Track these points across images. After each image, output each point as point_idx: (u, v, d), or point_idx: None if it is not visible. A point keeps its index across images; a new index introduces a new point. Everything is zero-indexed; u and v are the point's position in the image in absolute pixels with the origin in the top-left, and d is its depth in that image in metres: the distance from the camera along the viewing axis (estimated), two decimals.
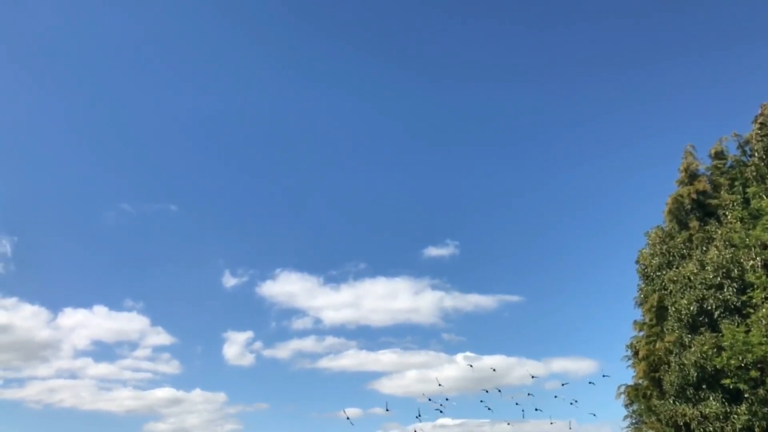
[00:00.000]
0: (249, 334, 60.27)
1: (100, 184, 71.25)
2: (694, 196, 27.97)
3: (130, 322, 59.34)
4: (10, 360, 57.86)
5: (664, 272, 27.48)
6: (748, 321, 22.83)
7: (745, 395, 22.85)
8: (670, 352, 25.54)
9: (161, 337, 59.01)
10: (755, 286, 22.82)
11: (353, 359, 58.55)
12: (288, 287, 61.90)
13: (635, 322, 29.44)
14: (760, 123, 27.01)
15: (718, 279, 24.55)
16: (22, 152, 68.25)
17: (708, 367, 23.62)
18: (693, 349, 24.21)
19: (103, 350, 60.12)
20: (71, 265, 67.19)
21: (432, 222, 71.74)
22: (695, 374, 24.04)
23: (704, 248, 26.27)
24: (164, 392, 56.46)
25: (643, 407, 28.12)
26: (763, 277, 22.62)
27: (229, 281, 62.85)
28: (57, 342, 57.41)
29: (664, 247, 28.10)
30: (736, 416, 22.91)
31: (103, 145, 71.22)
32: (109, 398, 55.95)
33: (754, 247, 23.58)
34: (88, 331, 58.77)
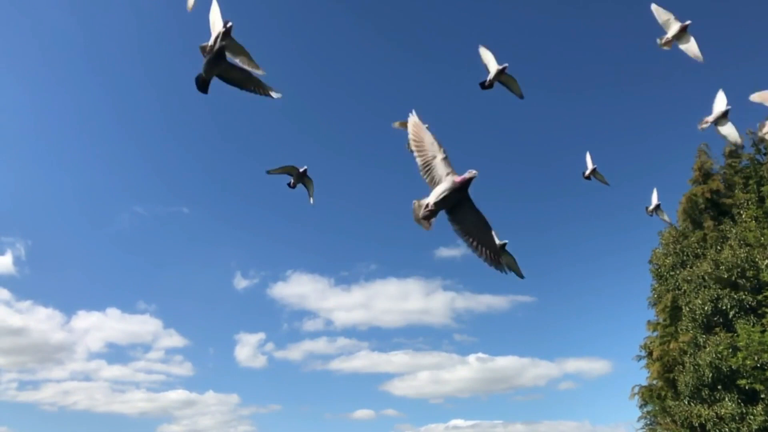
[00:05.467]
0: (261, 335, 60.46)
1: (113, 186, 71.81)
2: (708, 195, 27.71)
3: (143, 325, 59.79)
4: (26, 362, 58.68)
5: (677, 272, 27.27)
6: (764, 321, 22.60)
7: (762, 396, 22.59)
8: (685, 353, 25.32)
9: (174, 339, 59.41)
10: None
11: (365, 360, 58.54)
12: (299, 289, 61.98)
13: (649, 322, 29.21)
14: None
15: (733, 278, 24.31)
16: (35, 155, 69.11)
17: (723, 367, 23.37)
18: (708, 349, 23.97)
19: (117, 352, 60.71)
20: (84, 267, 67.86)
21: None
22: (710, 375, 23.78)
23: (718, 247, 26.02)
24: (177, 394, 56.72)
25: (657, 408, 27.90)
26: None
27: (241, 283, 63.19)
28: (71, 344, 58.09)
29: (678, 246, 27.88)
30: (752, 417, 22.66)
31: (115, 147, 71.89)
32: (122, 400, 56.49)
33: None
34: (102, 334, 59.29)
